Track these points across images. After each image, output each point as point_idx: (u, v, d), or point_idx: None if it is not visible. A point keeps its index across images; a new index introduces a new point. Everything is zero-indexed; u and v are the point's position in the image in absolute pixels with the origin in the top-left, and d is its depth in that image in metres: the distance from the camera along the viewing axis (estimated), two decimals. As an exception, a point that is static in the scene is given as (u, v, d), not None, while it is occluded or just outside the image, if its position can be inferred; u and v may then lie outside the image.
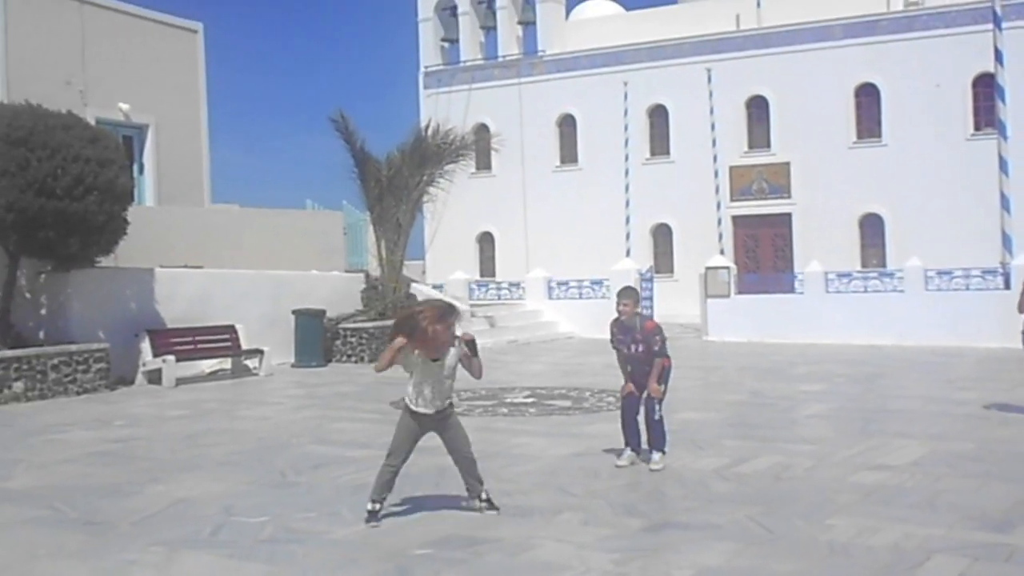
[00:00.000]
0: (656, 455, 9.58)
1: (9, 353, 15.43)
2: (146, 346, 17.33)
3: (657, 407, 9.64)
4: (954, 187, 29.27)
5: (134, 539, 7.43)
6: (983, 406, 13.14)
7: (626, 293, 9.76)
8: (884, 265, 29.25)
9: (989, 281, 23.53)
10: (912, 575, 6.17)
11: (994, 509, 7.80)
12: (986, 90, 28.17)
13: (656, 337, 9.49)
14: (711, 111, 32.21)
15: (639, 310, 9.79)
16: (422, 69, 38.03)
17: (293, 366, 19.52)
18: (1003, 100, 24.45)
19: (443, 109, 34.29)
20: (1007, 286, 22.34)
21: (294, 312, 19.60)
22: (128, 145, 21.10)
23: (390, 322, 21.13)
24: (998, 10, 24.70)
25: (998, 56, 24.32)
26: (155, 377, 17.07)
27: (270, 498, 8.70)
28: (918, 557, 6.57)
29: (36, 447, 11.54)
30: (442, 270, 31.93)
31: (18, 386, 15.23)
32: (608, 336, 9.92)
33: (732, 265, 26.84)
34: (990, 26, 25.21)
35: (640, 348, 9.51)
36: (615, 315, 9.77)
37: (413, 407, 8.16)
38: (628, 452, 9.77)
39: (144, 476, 9.71)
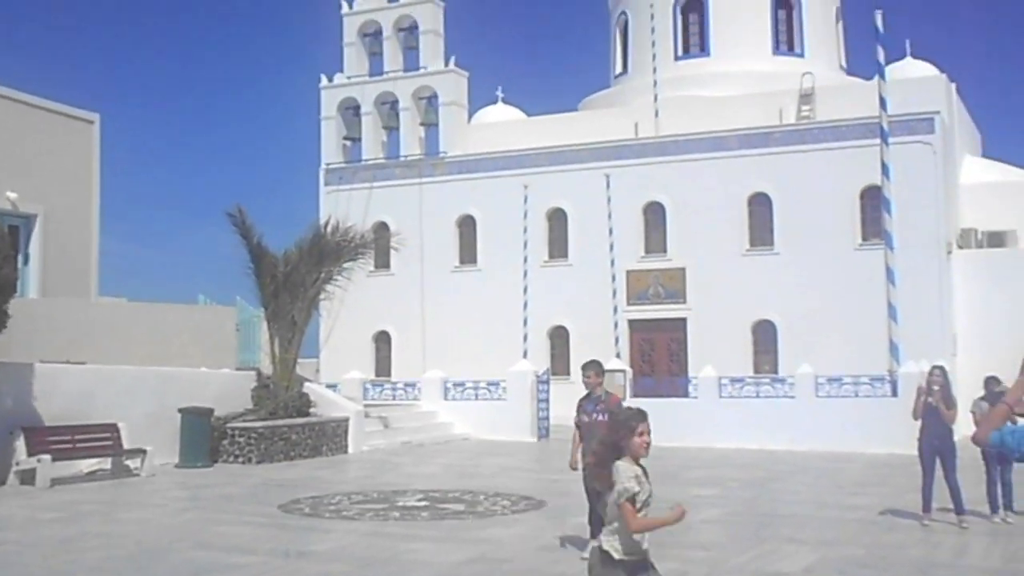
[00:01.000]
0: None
1: None
2: (21, 444, 16.46)
3: None
4: (843, 295, 30.04)
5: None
6: (879, 512, 13.25)
7: (591, 365, 10.66)
8: (776, 371, 29.70)
9: (877, 388, 24.08)
10: None
11: (885, 618, 7.77)
12: (873, 202, 29.18)
13: (619, 409, 9.87)
14: (609, 216, 32.70)
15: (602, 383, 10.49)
16: (323, 166, 37.96)
17: (177, 466, 18.83)
18: (888, 212, 25.36)
19: (343, 206, 34.19)
20: (894, 393, 22.87)
21: (180, 410, 18.99)
22: (14, 235, 20.41)
23: (281, 422, 20.77)
24: (885, 126, 25.78)
25: (884, 170, 25.29)
26: (29, 477, 16.20)
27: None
28: (811, 669, 6.47)
29: None
30: (337, 369, 31.43)
31: None
32: (575, 414, 10.60)
33: (628, 368, 27.00)
34: (877, 141, 26.25)
35: (598, 416, 10.02)
36: (583, 394, 10.35)
37: (617, 555, 5.46)
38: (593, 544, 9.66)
39: (9, 584, 9.16)
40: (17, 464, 16.37)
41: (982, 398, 12.76)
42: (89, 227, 23.23)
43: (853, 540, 11.27)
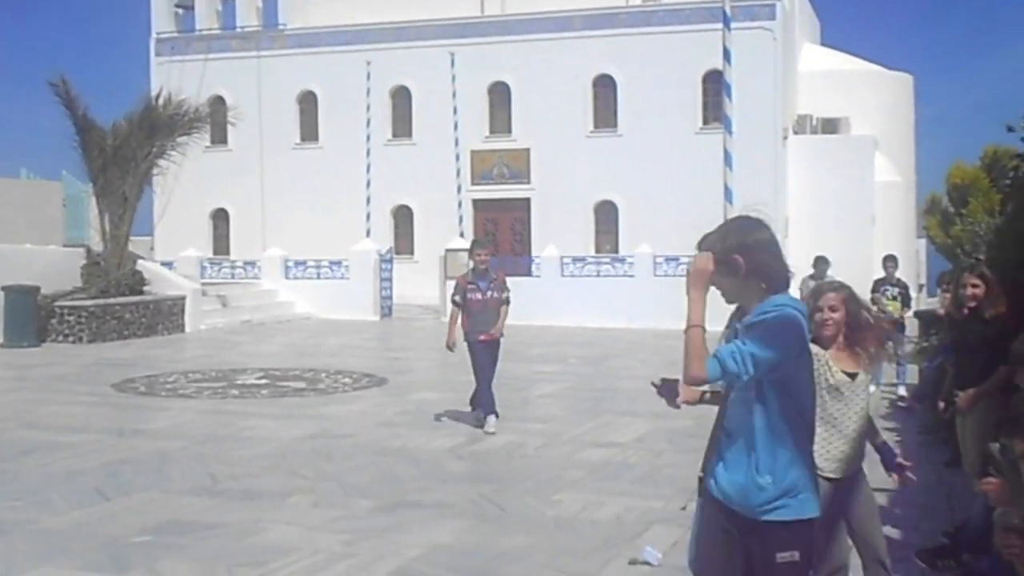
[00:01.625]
0: (492, 418, 10.11)
1: None
2: None
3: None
4: (683, 177, 30.65)
5: None
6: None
7: (481, 243, 11.10)
8: (617, 251, 30.34)
9: (711, 267, 24.81)
10: (632, 545, 6.34)
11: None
12: (714, 86, 29.66)
13: (506, 285, 10.53)
14: (454, 95, 32.34)
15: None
16: (153, 35, 36.22)
17: (1, 346, 18.12)
18: (729, 97, 25.83)
19: (176, 79, 32.73)
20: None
21: (3, 288, 18.18)
22: None
23: (114, 300, 20.14)
24: (728, 11, 26.04)
25: (726, 55, 25.65)
26: None
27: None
28: (638, 528, 6.77)
29: None
30: (172, 247, 30.54)
31: None
32: (454, 294, 10.65)
33: (471, 248, 27.09)
34: (720, 25, 26.56)
35: (492, 294, 10.30)
36: (463, 271, 10.61)
37: None
38: (493, 418, 10.16)
39: None
40: None
41: (811, 276, 13.34)
42: (-102, 94, 21.68)
43: (683, 413, 11.65)
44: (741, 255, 3.35)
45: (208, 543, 6.44)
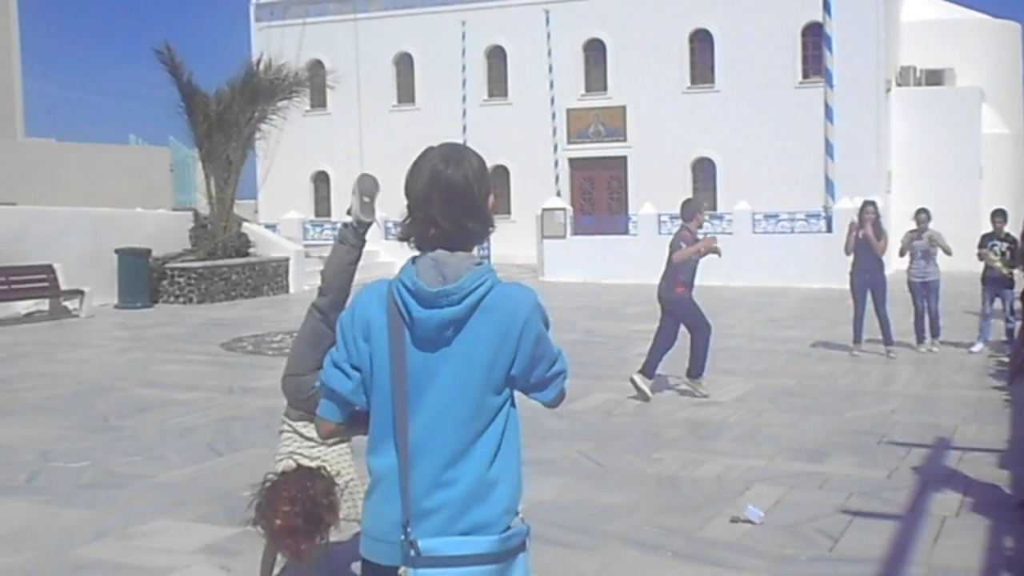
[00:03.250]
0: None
1: None
2: (-46, 287, 16.38)
3: None
4: (782, 133, 30.14)
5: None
6: (811, 344, 13.63)
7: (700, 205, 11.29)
8: (715, 208, 30.02)
9: (813, 224, 24.48)
10: (733, 504, 6.36)
11: (810, 440, 8.12)
12: (814, 39, 29.04)
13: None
14: (549, 53, 32.22)
15: None
16: (253, 1, 36.80)
17: (117, 307, 18.77)
18: (830, 50, 25.26)
19: (276, 44, 33.22)
20: (829, 229, 23.26)
21: (117, 251, 18.79)
22: (-67, 73, 19.76)
23: (221, 262, 20.67)
24: (826, -38, 25.42)
25: (826, 6, 25.07)
26: (-36, 319, 16.17)
27: (91, 443, 8.33)
28: (739, 487, 6.78)
29: None
30: (275, 209, 31.18)
31: None
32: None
33: (568, 207, 27.09)
34: (818, -23, 25.95)
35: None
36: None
37: None
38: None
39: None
40: (-51, 306, 16.26)
41: (913, 231, 13.06)
42: (10, 64, 22.46)
43: (785, 371, 11.64)
44: None
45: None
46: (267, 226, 26.02)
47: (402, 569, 2.48)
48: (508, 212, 33.72)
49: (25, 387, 11.00)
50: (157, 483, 7.08)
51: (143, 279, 19.11)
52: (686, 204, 10.88)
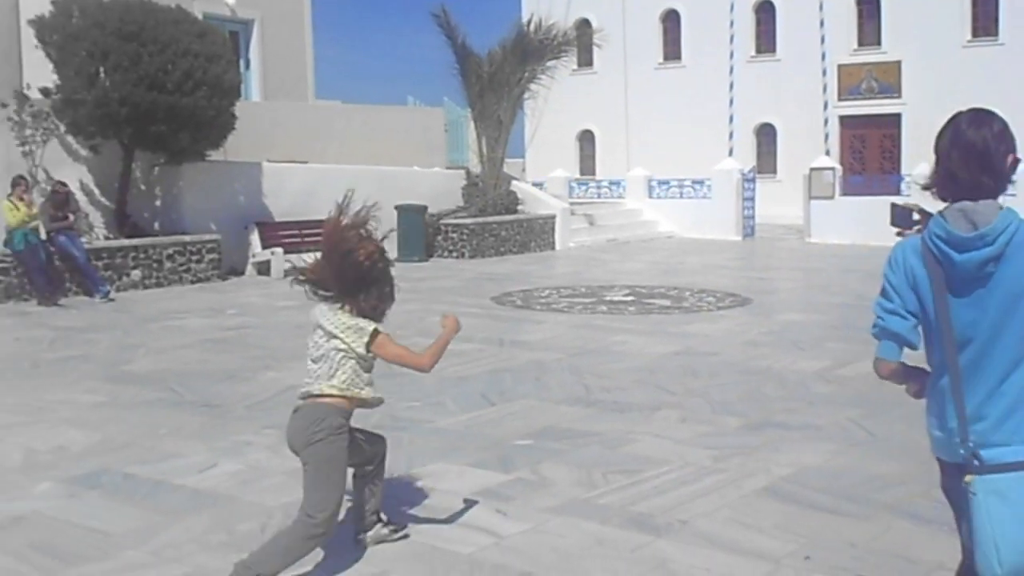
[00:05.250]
0: None
1: (127, 242, 16.06)
2: (255, 238, 17.83)
3: None
4: (1075, 87, 28.03)
5: (249, 422, 7.78)
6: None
7: None
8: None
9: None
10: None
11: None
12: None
13: None
14: (820, 7, 31.20)
15: None
16: (524, -38, 37.52)
17: (395, 260, 19.76)
18: None
19: (544, 4, 33.71)
20: None
21: (397, 208, 19.82)
22: (234, 40, 21.34)
23: (491, 218, 21.43)
24: None
25: None
26: (264, 268, 17.58)
27: (376, 387, 8.94)
28: (1021, 463, 6.53)
29: (154, 333, 12.05)
30: (542, 168, 31.88)
31: (135, 274, 15.86)
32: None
33: (837, 166, 26.27)
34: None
35: None
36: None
37: None
38: None
39: (257, 363, 10.10)
40: (253, 256, 17.74)
41: None
42: (302, 31, 23.91)
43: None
44: None
45: (584, 450, 6.90)
46: (534, 184, 26.69)
47: (968, 477, 2.95)
48: (774, 172, 33.08)
49: (317, 333, 11.90)
50: (435, 428, 7.53)
51: (420, 234, 20.13)
52: None
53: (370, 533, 5.15)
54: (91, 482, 6.32)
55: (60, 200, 15.08)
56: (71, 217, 15.20)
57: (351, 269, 4.65)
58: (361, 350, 4.65)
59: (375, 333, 4.66)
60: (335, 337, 4.64)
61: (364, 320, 4.68)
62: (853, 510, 5.63)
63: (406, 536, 5.21)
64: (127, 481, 6.35)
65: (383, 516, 5.20)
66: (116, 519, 5.64)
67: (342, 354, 4.66)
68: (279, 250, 17.52)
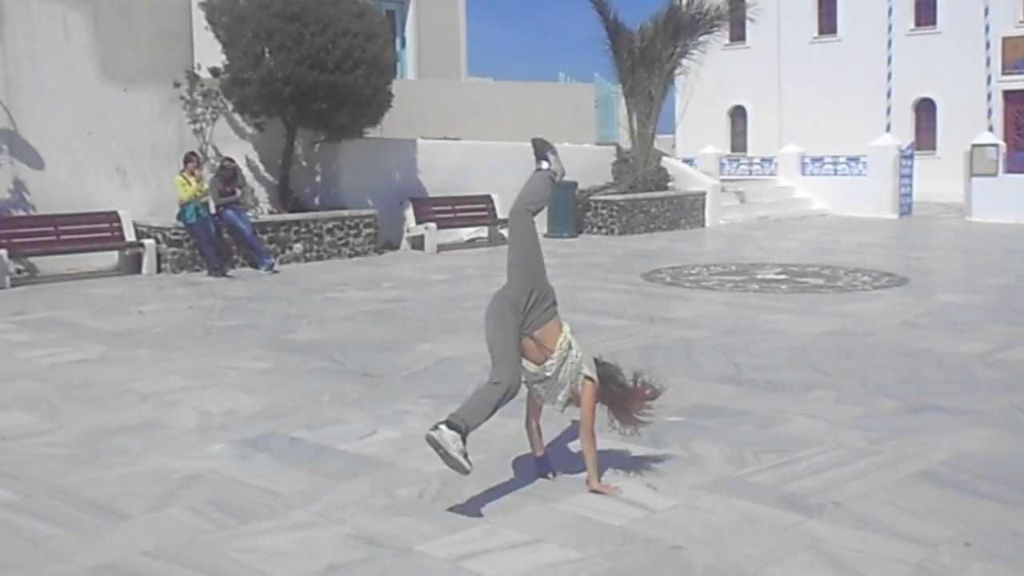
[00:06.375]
0: None
1: (289, 217, 16.67)
2: (410, 213, 18.27)
3: None
4: None
5: (406, 391, 8.06)
6: None
7: None
8: None
9: None
10: None
11: None
12: None
13: None
14: (986, -24, 29.96)
15: None
16: (677, -64, 37.07)
17: (545, 236, 19.99)
18: None
19: (698, -22, 33.36)
20: None
21: (550, 184, 19.99)
22: (391, 19, 21.79)
23: (641, 195, 21.40)
24: None
25: None
26: (418, 243, 18.01)
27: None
28: None
29: (316, 304, 12.52)
30: (692, 144, 31.59)
31: (297, 247, 16.46)
32: None
33: (1001, 142, 25.24)
34: None
35: None
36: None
37: None
38: None
39: (412, 335, 10.41)
40: (408, 231, 18.20)
41: None
42: (456, 9, 24.22)
43: None
44: None
45: (735, 428, 6.91)
46: (684, 160, 26.48)
47: None
48: (933, 148, 32.00)
49: (470, 306, 12.09)
50: (589, 402, 7.63)
51: (570, 210, 20.25)
52: None
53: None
54: (260, 445, 6.68)
55: (228, 176, 15.77)
56: (238, 192, 15.88)
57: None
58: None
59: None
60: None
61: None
62: (1016, 498, 5.50)
63: (467, 472, 5.31)
64: (293, 445, 6.68)
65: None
66: (284, 480, 5.96)
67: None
68: (433, 225, 17.93)
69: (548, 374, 5.60)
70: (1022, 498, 5.50)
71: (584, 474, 5.73)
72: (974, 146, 24.22)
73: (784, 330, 10.52)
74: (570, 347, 5.65)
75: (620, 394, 5.69)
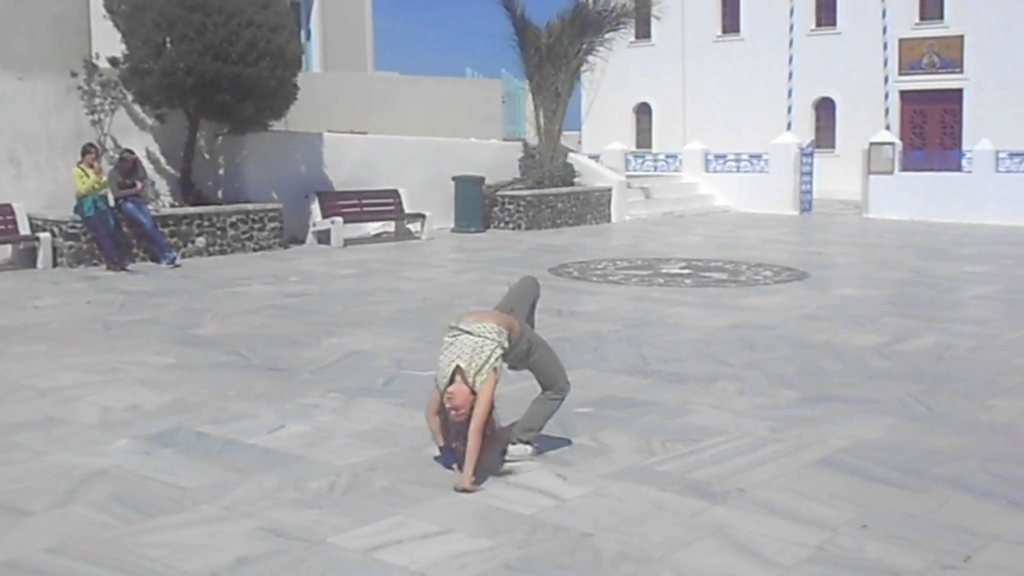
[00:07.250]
0: None
1: (191, 210, 16.37)
2: (316, 207, 18.07)
3: None
4: None
5: (314, 386, 7.99)
6: None
7: None
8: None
9: None
10: (1074, 456, 6.17)
11: None
12: None
13: None
14: (883, -21, 30.77)
15: None
16: (583, -67, 37.32)
17: (453, 231, 20.02)
18: None
19: (604, -25, 33.64)
20: None
21: (454, 178, 19.99)
22: (296, 11, 21.53)
23: (548, 190, 21.52)
24: None
25: None
26: (324, 237, 17.84)
27: (437, 354, 9.06)
28: (1081, 440, 6.55)
29: (220, 298, 12.33)
30: (598, 140, 31.81)
31: (200, 241, 16.17)
32: None
33: (897, 141, 25.97)
34: None
35: None
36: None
37: None
38: None
39: (319, 329, 10.32)
40: (314, 225, 18.02)
41: None
42: (362, 3, 24.05)
43: None
44: None
45: (642, 419, 7.01)
46: (591, 156, 26.67)
47: None
48: (833, 146, 32.77)
49: (377, 301, 12.11)
50: (496, 394, 7.64)
51: (477, 205, 20.26)
52: None
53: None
54: (166, 440, 6.56)
55: (128, 168, 15.42)
56: (138, 184, 15.53)
57: None
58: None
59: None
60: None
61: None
62: (911, 482, 5.69)
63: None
64: (200, 439, 6.58)
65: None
66: (191, 475, 5.87)
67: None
68: (339, 219, 17.77)
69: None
70: (917, 482, 5.69)
71: (507, 466, 5.81)
72: (871, 144, 24.87)
73: (689, 323, 10.69)
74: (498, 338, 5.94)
75: (489, 435, 5.79)
